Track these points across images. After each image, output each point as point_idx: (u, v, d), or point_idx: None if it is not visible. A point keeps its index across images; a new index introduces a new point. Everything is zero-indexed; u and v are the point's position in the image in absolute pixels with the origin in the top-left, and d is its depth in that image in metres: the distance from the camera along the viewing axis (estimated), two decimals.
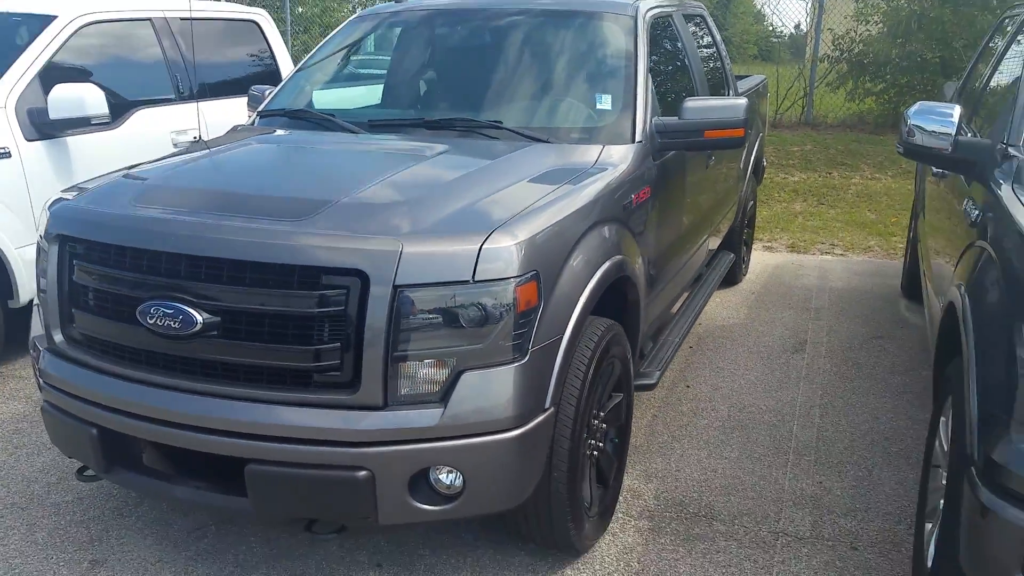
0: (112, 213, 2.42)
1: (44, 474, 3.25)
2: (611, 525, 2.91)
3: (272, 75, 5.70)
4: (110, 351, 2.36)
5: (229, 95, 5.08)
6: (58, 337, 2.48)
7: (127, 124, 4.53)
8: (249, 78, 5.50)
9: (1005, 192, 2.51)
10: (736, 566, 2.72)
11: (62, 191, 2.77)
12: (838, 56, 11.93)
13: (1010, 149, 2.75)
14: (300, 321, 2.13)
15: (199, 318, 2.16)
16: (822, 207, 8.37)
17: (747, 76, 6.73)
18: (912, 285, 5.24)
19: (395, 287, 2.09)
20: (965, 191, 3.08)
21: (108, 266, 2.33)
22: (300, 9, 16.33)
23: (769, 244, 7.06)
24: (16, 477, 3.23)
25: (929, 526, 2.53)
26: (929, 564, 2.40)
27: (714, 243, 4.80)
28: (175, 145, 4.74)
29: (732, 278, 5.65)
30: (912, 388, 4.10)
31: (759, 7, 14.32)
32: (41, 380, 2.54)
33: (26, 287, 4.05)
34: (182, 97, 4.91)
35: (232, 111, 4.89)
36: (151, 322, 2.20)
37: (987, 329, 2.19)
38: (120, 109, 4.40)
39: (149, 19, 4.85)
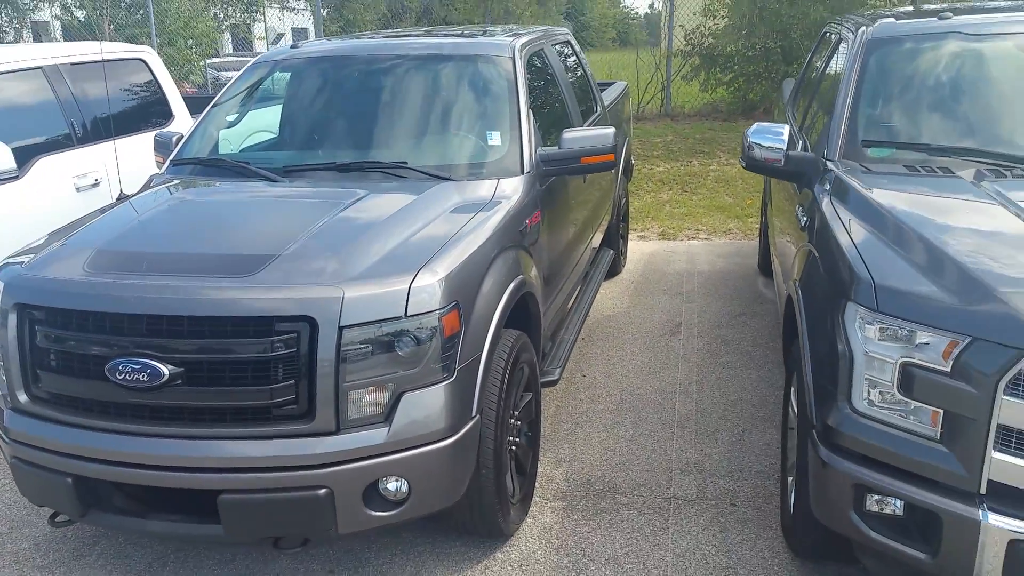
0: (71, 280, 2.66)
1: None
2: (531, 508, 3.37)
3: (163, 107, 5.83)
4: (80, 406, 2.61)
5: (126, 133, 5.19)
6: (23, 397, 2.70)
7: (31, 173, 4.59)
8: (141, 113, 5.62)
9: (824, 202, 3.10)
10: (638, 531, 3.23)
11: (7, 258, 2.96)
12: (690, 50, 12.83)
13: (828, 163, 3.36)
14: (257, 364, 2.46)
15: (165, 370, 2.45)
16: (686, 194, 9.12)
17: (611, 83, 7.33)
18: (766, 264, 5.88)
19: (340, 327, 2.45)
20: (797, 197, 3.70)
21: (73, 330, 2.57)
22: (162, 24, 15.99)
23: (643, 234, 7.69)
24: None
25: (790, 480, 3.11)
26: (792, 512, 2.98)
27: (597, 241, 5.33)
28: (78, 190, 4.84)
29: (614, 269, 6.21)
30: (772, 359, 4.76)
31: None
32: (6, 437, 2.75)
33: None
34: (80, 141, 4.99)
35: (131, 149, 5.02)
36: (120, 378, 2.48)
37: (814, 318, 2.77)
38: (23, 159, 4.46)
39: (40, 67, 4.91)
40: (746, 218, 8.00)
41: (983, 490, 2.18)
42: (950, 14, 3.70)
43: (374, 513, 2.58)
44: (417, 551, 3.14)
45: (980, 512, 2.16)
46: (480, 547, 3.15)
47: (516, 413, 3.18)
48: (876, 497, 2.37)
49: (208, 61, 18.94)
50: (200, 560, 3.11)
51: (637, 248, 7.13)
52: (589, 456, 3.78)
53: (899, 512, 2.34)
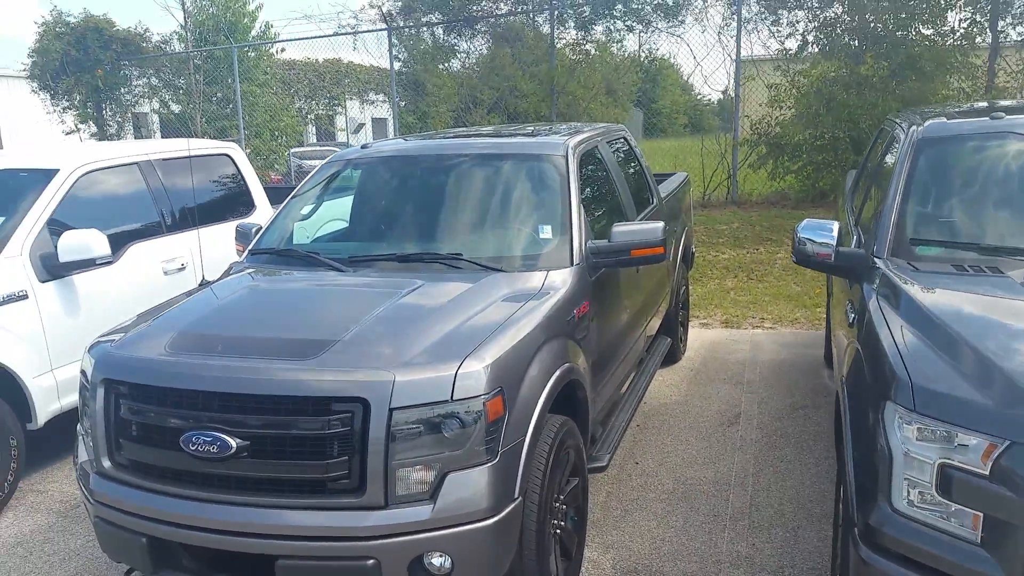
0: (152, 359, 2.93)
1: None
2: None
3: (246, 197, 6.28)
4: (155, 473, 2.84)
5: (211, 222, 5.61)
6: (106, 463, 2.95)
7: (123, 259, 5.02)
8: (226, 203, 6.07)
9: (870, 300, 3.14)
10: None
11: (99, 337, 3.27)
12: (756, 139, 12.99)
13: (876, 260, 3.41)
14: (315, 440, 2.65)
15: (233, 443, 2.66)
16: (751, 282, 9.12)
17: (671, 174, 7.52)
18: (831, 355, 5.88)
19: (390, 409, 2.63)
20: (848, 293, 3.75)
21: (152, 403, 2.83)
22: (249, 117, 17.17)
23: (705, 321, 7.71)
24: None
25: None
26: None
27: (652, 329, 5.42)
28: (165, 273, 5.24)
29: (672, 356, 6.25)
30: (832, 454, 4.68)
31: (686, 78, 15.51)
32: (91, 498, 2.99)
33: (43, 410, 4.49)
34: (168, 229, 5.43)
35: (215, 237, 5.42)
36: (193, 448, 2.70)
37: (858, 416, 2.79)
38: (117, 245, 4.88)
39: (136, 163, 5.40)
40: (813, 307, 7.93)
41: None
42: (1003, 114, 3.76)
43: None
44: None
45: None
46: None
47: (561, 497, 3.26)
48: None
49: (292, 150, 20.07)
50: None
51: (699, 336, 7.15)
52: (638, 544, 3.80)
53: None
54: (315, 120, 25.46)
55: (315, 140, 28.40)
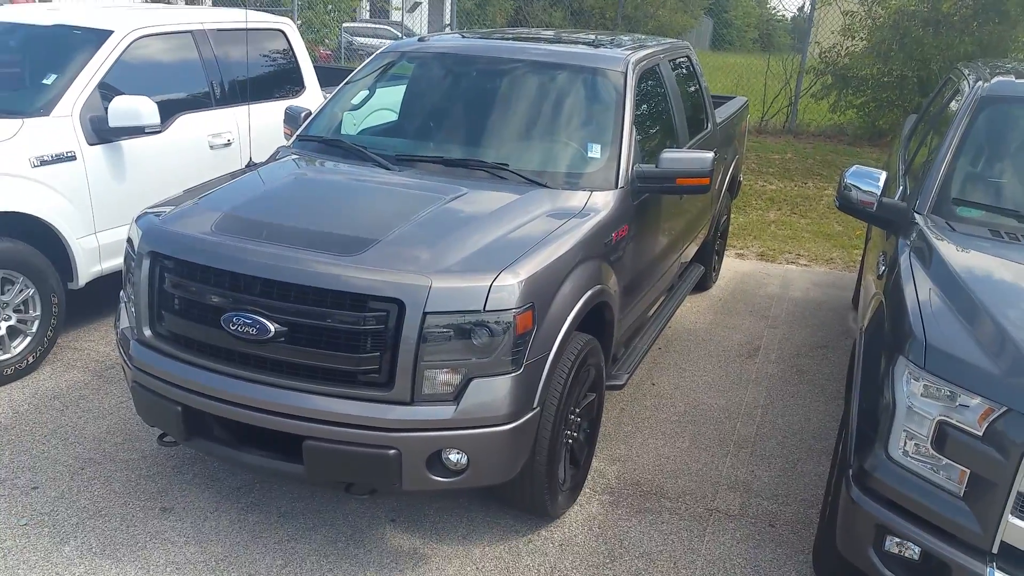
0: (199, 237, 3.06)
1: (111, 435, 3.92)
2: (579, 497, 3.61)
3: (296, 76, 6.29)
4: (194, 347, 3.01)
5: (260, 100, 5.65)
6: (147, 332, 3.13)
7: (171, 129, 5.10)
8: (276, 81, 6.09)
9: (903, 255, 3.18)
10: (675, 534, 3.43)
11: (147, 208, 3.40)
12: (823, 68, 12.55)
13: (916, 216, 3.42)
14: (350, 334, 2.79)
15: (272, 327, 2.81)
16: (794, 216, 9.04)
17: (730, 97, 7.36)
18: (859, 299, 5.90)
19: (424, 312, 2.75)
20: (884, 243, 3.76)
21: (196, 281, 2.97)
22: None
23: (741, 252, 7.71)
24: (88, 437, 3.90)
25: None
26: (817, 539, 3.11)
27: (688, 256, 5.45)
28: (211, 147, 5.33)
29: (703, 284, 6.30)
30: (843, 395, 4.79)
31: None
32: (130, 364, 3.19)
33: (84, 271, 4.68)
34: (217, 102, 5.49)
35: (264, 114, 5.47)
36: (232, 328, 2.86)
37: (870, 365, 2.88)
38: (165, 115, 4.95)
39: (190, 31, 5.41)
40: (851, 249, 7.89)
41: (995, 550, 2.30)
42: None
43: (435, 478, 2.88)
44: (471, 516, 3.44)
45: (988, 569, 2.28)
46: (527, 523, 3.42)
47: (577, 410, 3.41)
48: (896, 540, 2.51)
49: (345, 25, 19.71)
50: (281, 493, 3.51)
51: (732, 266, 7.18)
52: (643, 460, 3.98)
53: (915, 557, 2.47)
54: None
55: (368, 16, 27.79)
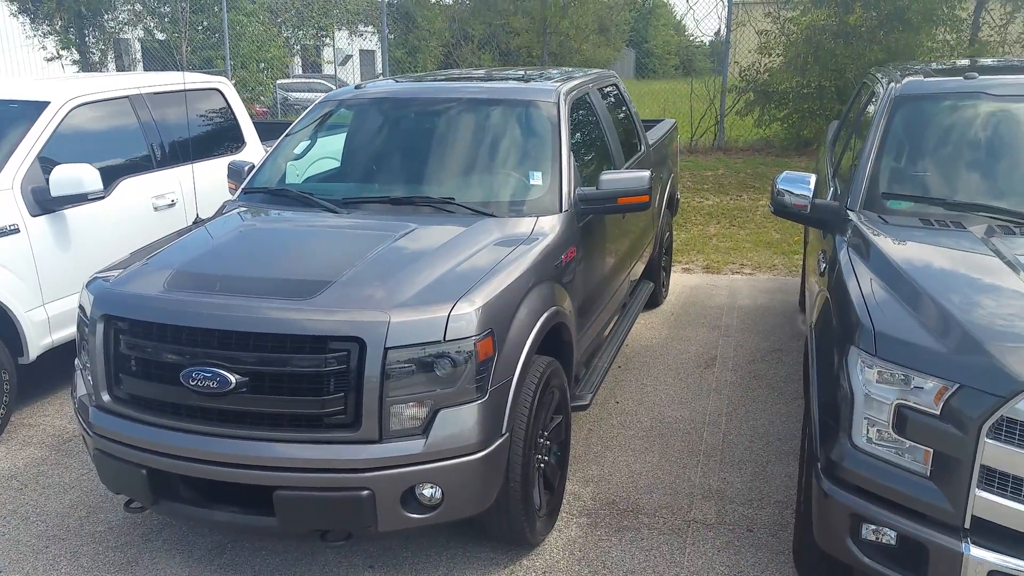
0: (152, 296, 3.03)
1: (74, 509, 3.80)
2: (557, 522, 3.61)
3: (236, 133, 6.29)
4: (155, 407, 2.96)
5: (201, 158, 5.64)
6: (105, 397, 3.07)
7: (115, 194, 5.06)
8: (216, 139, 6.08)
9: (841, 251, 3.30)
10: (657, 549, 3.45)
11: (96, 273, 3.36)
12: (745, 86, 12.99)
13: (849, 213, 3.56)
14: (312, 377, 2.78)
15: (232, 379, 2.79)
16: (733, 228, 9.27)
17: (659, 120, 7.58)
18: (805, 302, 6.06)
19: (385, 348, 2.76)
20: (821, 243, 3.90)
21: (152, 339, 2.93)
22: (236, 47, 16.85)
23: (687, 266, 7.88)
24: (51, 513, 3.78)
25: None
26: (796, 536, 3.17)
27: (636, 273, 5.57)
28: (155, 209, 5.29)
29: (655, 300, 6.43)
30: (802, 395, 4.91)
31: (679, 19, 15.35)
32: (90, 431, 3.12)
33: (35, 344, 4.57)
34: (159, 164, 5.46)
35: (206, 172, 5.46)
36: (192, 383, 2.82)
37: (823, 360, 2.97)
38: (108, 180, 4.90)
39: (127, 96, 5.39)
40: (792, 255, 8.12)
41: (967, 525, 2.37)
42: (975, 74, 3.87)
43: (410, 515, 2.87)
44: (450, 553, 3.41)
45: (963, 545, 2.35)
46: (507, 554, 3.41)
47: (546, 433, 3.43)
48: (871, 527, 2.56)
49: (279, 82, 19.76)
50: (255, 550, 3.44)
51: (680, 280, 7.32)
52: (616, 478, 4.01)
53: (892, 542, 2.53)
54: (302, 51, 25.00)
55: (301, 72, 27.88)
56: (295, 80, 24.76)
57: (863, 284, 2.90)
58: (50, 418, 4.80)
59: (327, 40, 26.59)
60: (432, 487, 2.87)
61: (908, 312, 2.67)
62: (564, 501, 3.76)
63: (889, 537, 2.54)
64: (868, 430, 2.58)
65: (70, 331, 4.69)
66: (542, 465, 3.41)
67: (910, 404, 2.46)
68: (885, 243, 3.14)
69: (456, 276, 3.10)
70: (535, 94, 4.33)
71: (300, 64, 27.52)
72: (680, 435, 4.44)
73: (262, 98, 18.85)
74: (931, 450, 2.43)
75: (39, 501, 3.89)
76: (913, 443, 2.47)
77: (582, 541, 3.50)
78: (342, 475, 2.78)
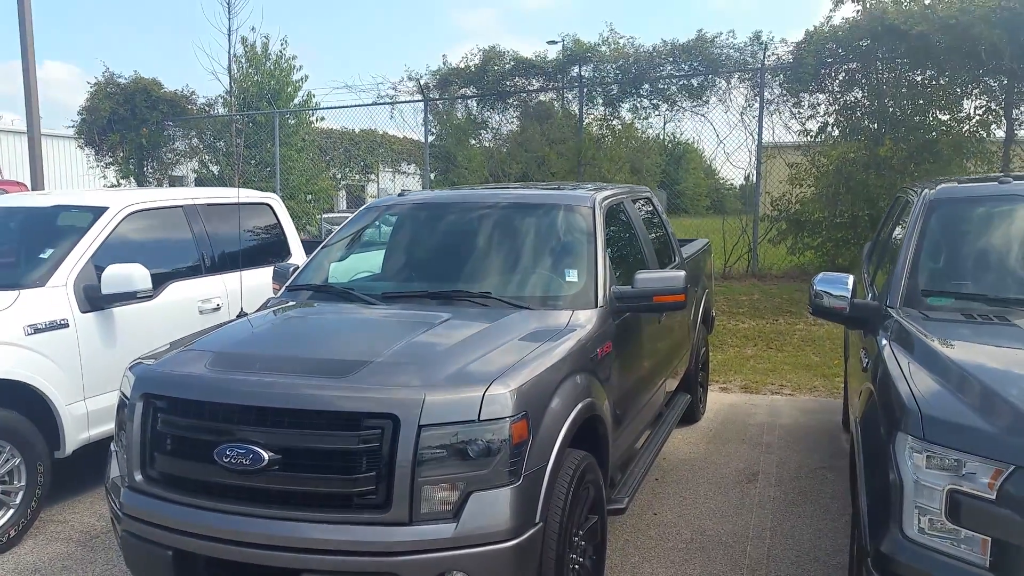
0: (191, 374, 3.08)
1: None
2: None
3: (283, 247, 6.51)
4: (186, 486, 2.95)
5: (249, 267, 5.82)
6: (138, 476, 3.06)
7: (163, 295, 5.23)
8: (263, 251, 6.29)
9: (883, 344, 3.26)
10: None
11: (139, 358, 3.43)
12: (776, 215, 13.19)
13: (889, 310, 3.54)
14: (345, 455, 2.76)
15: (266, 456, 2.78)
16: (771, 351, 9.17)
17: (693, 240, 7.69)
18: (849, 421, 5.92)
19: (419, 426, 2.74)
20: (863, 342, 3.86)
21: (189, 416, 2.96)
22: (286, 179, 17.71)
23: (725, 385, 7.77)
24: None
25: None
26: None
27: (671, 385, 5.50)
28: (200, 312, 5.43)
29: (692, 416, 6.31)
30: (850, 511, 4.70)
31: (709, 160, 15.83)
32: (120, 513, 3.09)
33: (72, 438, 4.61)
34: (207, 271, 5.66)
35: (251, 279, 5.62)
36: (226, 460, 2.82)
37: (870, 451, 2.88)
38: (157, 282, 5.08)
39: (180, 206, 5.67)
40: (832, 377, 7.97)
41: None
42: (1010, 179, 3.93)
43: None
44: None
45: None
46: None
47: (581, 532, 3.31)
48: None
49: (324, 216, 20.55)
50: None
51: (718, 399, 7.20)
52: None
53: None
54: (347, 187, 26.11)
55: (345, 207, 29.02)
56: (339, 214, 25.81)
57: (907, 371, 2.84)
58: (79, 515, 4.75)
59: (372, 177, 27.80)
60: (462, 575, 2.76)
61: (956, 396, 2.59)
62: None
63: None
64: (920, 519, 2.45)
65: (107, 427, 4.71)
66: (576, 566, 3.27)
67: (963, 489, 2.35)
68: (929, 335, 3.10)
69: (492, 360, 3.11)
70: (572, 200, 4.47)
71: (345, 199, 28.67)
72: (722, 549, 4.25)
73: (308, 228, 19.57)
74: (988, 538, 2.30)
75: None
76: (969, 531, 2.34)
77: None
78: (371, 558, 2.70)
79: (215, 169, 19.03)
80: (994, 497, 2.28)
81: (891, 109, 12.69)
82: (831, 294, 3.80)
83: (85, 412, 4.68)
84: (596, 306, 3.84)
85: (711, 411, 6.78)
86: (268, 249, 6.39)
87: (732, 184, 17.87)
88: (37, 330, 4.44)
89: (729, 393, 7.51)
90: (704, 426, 6.40)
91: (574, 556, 3.24)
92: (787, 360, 8.73)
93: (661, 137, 17.35)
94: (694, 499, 4.91)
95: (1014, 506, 2.24)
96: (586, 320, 3.69)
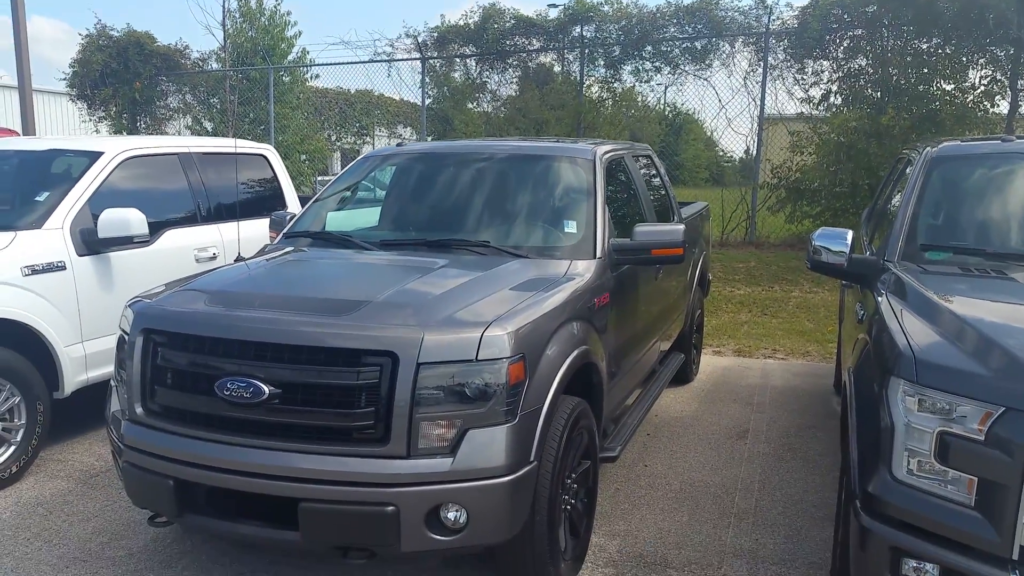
0: (192, 310, 3.09)
1: (97, 535, 3.77)
2: (582, 571, 3.49)
3: (278, 198, 6.49)
4: (187, 418, 2.98)
5: (245, 217, 5.81)
6: (139, 409, 3.09)
7: (159, 242, 5.22)
8: (259, 202, 6.27)
9: (879, 296, 3.29)
10: None
11: (138, 295, 3.43)
12: (776, 183, 13.16)
13: (887, 264, 3.56)
14: (344, 390, 2.79)
15: (267, 389, 2.80)
16: (765, 317, 9.22)
17: (691, 203, 7.68)
18: (841, 383, 5.97)
19: (418, 364, 2.76)
20: (859, 297, 3.88)
21: (190, 351, 2.98)
22: (280, 138, 17.55)
23: (718, 349, 7.82)
24: (72, 538, 3.75)
25: None
26: None
27: (665, 345, 5.54)
28: (197, 261, 5.42)
29: (684, 377, 6.37)
30: (839, 466, 4.76)
31: (710, 124, 15.72)
32: (121, 445, 3.12)
33: (70, 380, 4.63)
34: (203, 219, 5.64)
35: (247, 230, 5.61)
36: (226, 393, 2.84)
37: (862, 398, 2.91)
38: (154, 229, 5.07)
39: (176, 154, 5.64)
40: (826, 343, 8.02)
41: (1015, 556, 2.25)
42: (1012, 138, 3.94)
43: (434, 536, 2.80)
44: None
45: None
46: None
47: (573, 475, 3.36)
48: (912, 563, 2.44)
49: (318, 177, 20.43)
50: None
51: (711, 362, 7.25)
52: (643, 534, 3.88)
53: None
54: (341, 149, 25.94)
55: (339, 169, 28.83)
56: (334, 176, 25.62)
57: (903, 320, 2.86)
58: (79, 455, 4.81)
59: (367, 139, 27.60)
60: (457, 509, 2.81)
61: (949, 342, 2.62)
62: (589, 552, 3.64)
63: (931, 571, 2.41)
64: (909, 461, 2.49)
65: (105, 370, 4.74)
66: (568, 507, 3.32)
67: (953, 431, 2.39)
68: (925, 286, 3.12)
69: (490, 303, 3.13)
70: (573, 152, 4.46)
71: (339, 161, 28.51)
72: (711, 498, 4.32)
73: (303, 188, 19.47)
74: (975, 478, 2.34)
75: (62, 527, 3.87)
76: (956, 472, 2.38)
77: None
78: (368, 489, 2.74)
79: (208, 125, 18.85)
80: (983, 438, 2.32)
81: (895, 77, 12.61)
82: (830, 249, 3.80)
83: (83, 354, 4.70)
84: (595, 257, 3.85)
85: (704, 373, 6.84)
86: (264, 200, 6.36)
87: (732, 156, 17.78)
88: (35, 271, 4.45)
89: (723, 357, 7.57)
90: (696, 386, 6.46)
91: (566, 497, 3.29)
92: (781, 326, 8.78)
93: (661, 106, 17.24)
94: (684, 453, 4.98)
95: (1002, 446, 2.28)
96: (584, 270, 3.71)
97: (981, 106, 12.14)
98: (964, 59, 12.39)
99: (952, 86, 12.39)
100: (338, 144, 26.28)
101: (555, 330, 3.22)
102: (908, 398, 2.51)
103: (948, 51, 12.35)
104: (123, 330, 3.29)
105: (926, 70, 12.46)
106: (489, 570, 3.37)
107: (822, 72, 13.59)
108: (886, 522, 2.51)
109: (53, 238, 4.63)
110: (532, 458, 2.96)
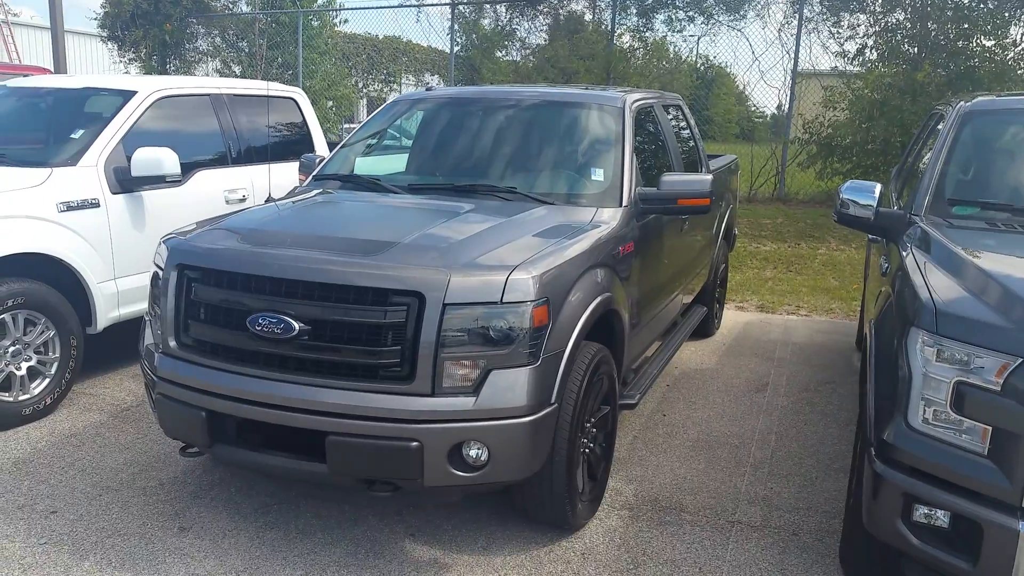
0: (225, 247, 3.17)
1: (128, 466, 3.92)
2: (598, 513, 3.58)
3: (307, 142, 6.53)
4: (219, 352, 3.07)
5: (273, 160, 5.87)
6: (172, 343, 3.19)
7: (190, 183, 5.30)
8: (288, 145, 6.32)
9: (904, 248, 3.29)
10: (699, 543, 3.39)
11: (172, 232, 3.51)
12: (807, 138, 12.97)
13: (914, 218, 3.55)
14: (372, 328, 2.86)
15: (296, 325, 2.88)
16: (790, 274, 9.18)
17: (720, 155, 7.62)
18: (863, 341, 5.98)
19: (444, 304, 2.83)
20: (884, 251, 3.88)
21: (223, 287, 3.06)
22: (308, 83, 17.51)
23: (741, 304, 7.82)
24: (105, 468, 3.90)
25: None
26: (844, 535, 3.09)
27: (688, 298, 5.56)
28: (227, 202, 5.50)
29: (706, 331, 6.40)
30: (856, 420, 4.80)
31: (741, 88, 15.41)
32: (155, 377, 3.23)
33: (103, 316, 4.76)
34: (233, 161, 5.70)
35: (277, 174, 5.67)
36: (258, 328, 2.92)
37: (882, 348, 2.94)
38: (185, 170, 5.14)
39: (208, 95, 5.68)
40: (850, 300, 7.99)
41: None
42: None
43: (456, 472, 2.89)
44: (490, 529, 3.42)
45: (1020, 523, 2.28)
46: (547, 534, 3.39)
47: (593, 419, 3.44)
48: (923, 509, 2.50)
49: (345, 125, 20.41)
50: (299, 512, 3.50)
51: (733, 317, 7.26)
52: (660, 479, 3.97)
53: (944, 523, 2.46)
54: (368, 96, 25.82)
55: (367, 115, 28.74)
56: (360, 124, 25.56)
57: (925, 272, 2.88)
58: (110, 390, 4.96)
59: (394, 86, 27.43)
60: (479, 446, 2.89)
61: (970, 294, 2.64)
62: (606, 495, 3.73)
63: (941, 518, 2.47)
64: (925, 411, 2.53)
65: (137, 307, 4.87)
66: (587, 451, 3.40)
67: (970, 381, 2.42)
68: (950, 239, 3.12)
69: (516, 247, 3.17)
70: (602, 99, 4.44)
71: (366, 108, 28.41)
72: (728, 448, 4.38)
73: (329, 135, 19.48)
74: (989, 428, 2.38)
75: (95, 457, 4.02)
76: (971, 421, 2.42)
77: (623, 531, 3.47)
78: (393, 424, 2.83)
79: (237, 69, 18.83)
80: (999, 389, 2.35)
81: (933, 33, 12.30)
82: (857, 203, 3.79)
83: (116, 291, 4.82)
84: (620, 205, 3.87)
85: (725, 328, 6.86)
86: (293, 144, 6.40)
87: (763, 112, 17.47)
88: (69, 207, 4.54)
89: (745, 312, 7.57)
90: (718, 340, 6.49)
91: (585, 440, 3.37)
92: (806, 283, 8.74)
93: (693, 57, 16.93)
94: (703, 404, 5.04)
95: (1017, 397, 2.31)
96: (610, 217, 3.73)
97: (1022, 63, 11.83)
98: (1007, 14, 12.03)
99: (992, 42, 12.06)
100: (365, 91, 26.16)
101: (579, 276, 3.26)
102: (927, 348, 2.54)
103: (991, 6, 11.99)
104: (157, 265, 3.38)
105: (966, 25, 12.12)
106: (508, 507, 3.48)
107: (858, 26, 13.30)
108: (900, 469, 2.56)
109: (88, 175, 4.71)
110: (553, 400, 3.03)
